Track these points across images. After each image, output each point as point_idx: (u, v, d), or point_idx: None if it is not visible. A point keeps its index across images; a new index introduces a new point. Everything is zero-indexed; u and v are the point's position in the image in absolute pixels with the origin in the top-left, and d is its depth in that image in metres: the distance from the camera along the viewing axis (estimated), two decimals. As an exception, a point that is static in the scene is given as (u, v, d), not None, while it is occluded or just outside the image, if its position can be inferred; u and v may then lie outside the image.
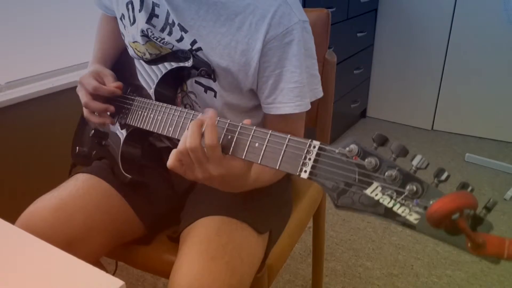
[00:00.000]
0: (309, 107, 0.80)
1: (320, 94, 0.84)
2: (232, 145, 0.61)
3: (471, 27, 2.32)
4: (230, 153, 0.61)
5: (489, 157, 2.22)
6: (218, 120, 0.64)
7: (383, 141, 0.49)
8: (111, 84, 0.85)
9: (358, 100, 2.59)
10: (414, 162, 0.46)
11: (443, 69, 2.48)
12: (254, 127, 0.60)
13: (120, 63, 1.01)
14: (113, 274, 0.48)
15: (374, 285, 1.43)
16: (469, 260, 1.54)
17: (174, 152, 0.62)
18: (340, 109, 2.34)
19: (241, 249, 0.70)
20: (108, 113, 0.88)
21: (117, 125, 0.90)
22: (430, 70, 2.52)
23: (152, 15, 0.82)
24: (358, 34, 2.37)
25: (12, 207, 0.81)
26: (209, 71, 0.79)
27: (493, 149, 2.38)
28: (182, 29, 0.78)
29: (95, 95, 0.85)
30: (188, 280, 0.64)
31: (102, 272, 0.47)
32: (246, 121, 0.61)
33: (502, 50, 2.28)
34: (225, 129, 0.63)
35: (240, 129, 0.61)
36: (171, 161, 0.63)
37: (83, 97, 0.85)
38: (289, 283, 1.45)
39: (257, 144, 0.59)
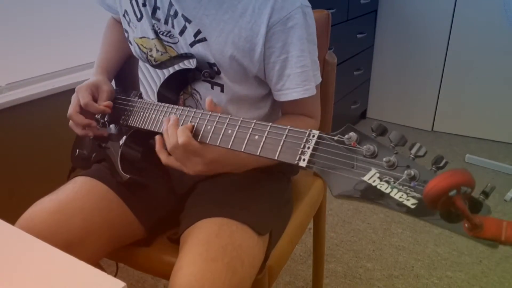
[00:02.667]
0: (315, 91, 0.81)
1: (319, 79, 0.85)
2: (232, 140, 0.62)
3: (471, 28, 2.33)
4: (229, 147, 0.62)
5: (489, 158, 2.22)
6: (219, 116, 0.65)
7: (382, 131, 0.49)
8: (102, 103, 0.86)
9: (358, 101, 2.60)
10: (413, 150, 0.46)
11: (443, 70, 2.48)
12: (255, 121, 0.60)
13: (123, 68, 1.01)
14: (115, 276, 0.48)
15: (375, 287, 1.43)
16: (470, 261, 1.54)
17: (163, 151, 0.71)
18: (340, 110, 2.35)
19: (242, 250, 0.70)
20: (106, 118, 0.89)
21: (119, 127, 0.90)
22: (430, 71, 2.52)
23: (155, 8, 0.82)
24: (358, 35, 2.37)
25: (12, 209, 0.81)
26: (212, 74, 0.80)
27: (493, 150, 2.38)
28: (186, 19, 0.79)
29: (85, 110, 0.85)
30: (189, 281, 0.64)
31: (104, 274, 0.47)
32: (208, 99, 0.68)
33: (503, 51, 2.28)
34: (225, 124, 0.63)
35: (240, 123, 0.62)
36: (163, 159, 0.71)
37: (70, 108, 0.86)
38: (289, 284, 1.45)
39: (256, 137, 0.59)
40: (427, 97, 2.59)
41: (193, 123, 0.68)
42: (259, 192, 0.85)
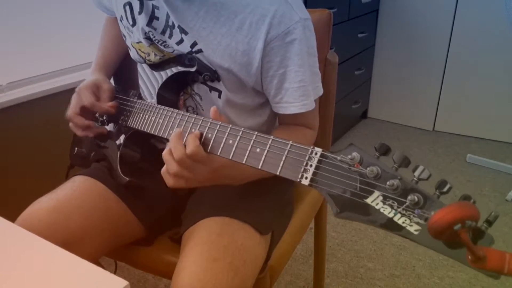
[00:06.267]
0: (313, 105, 0.80)
1: (321, 91, 0.84)
2: (233, 151, 0.61)
3: (472, 27, 2.32)
4: (231, 158, 0.62)
5: (491, 158, 2.22)
6: (220, 125, 0.64)
7: (385, 151, 0.49)
8: (107, 104, 0.86)
9: (359, 101, 2.59)
10: (416, 173, 0.45)
11: (444, 70, 2.48)
12: (256, 132, 0.60)
13: (122, 66, 1.01)
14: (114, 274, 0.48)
15: (376, 286, 1.43)
16: (471, 261, 1.53)
17: (166, 173, 0.66)
18: (341, 110, 2.34)
19: (244, 250, 0.70)
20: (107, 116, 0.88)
21: (118, 127, 0.90)
22: (431, 70, 2.52)
23: (152, 18, 0.81)
24: (359, 35, 2.37)
25: (11, 208, 0.81)
26: (213, 77, 0.79)
27: (495, 150, 2.38)
28: (182, 31, 0.78)
29: (87, 109, 0.85)
30: (191, 281, 0.64)
31: (107, 272, 0.47)
32: (213, 108, 0.66)
33: (504, 51, 2.28)
34: (226, 134, 0.63)
35: (242, 134, 0.61)
36: (169, 181, 0.67)
37: (70, 109, 0.85)
38: (290, 284, 1.45)
39: (258, 150, 0.59)
40: (428, 96, 2.58)
41: (201, 131, 0.66)
42: (261, 192, 0.85)
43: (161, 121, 0.76)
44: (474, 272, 1.48)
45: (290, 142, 0.56)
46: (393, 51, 2.61)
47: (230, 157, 0.61)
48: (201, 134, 0.66)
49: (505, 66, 2.30)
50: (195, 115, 0.69)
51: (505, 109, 2.38)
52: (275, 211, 0.85)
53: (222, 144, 0.63)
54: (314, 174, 0.52)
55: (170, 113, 0.75)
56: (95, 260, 0.81)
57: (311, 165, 0.52)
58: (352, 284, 1.44)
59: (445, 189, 0.44)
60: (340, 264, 1.53)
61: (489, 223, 0.41)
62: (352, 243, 1.65)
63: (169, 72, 0.82)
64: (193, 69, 0.79)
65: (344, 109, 2.42)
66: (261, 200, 0.83)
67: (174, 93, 0.85)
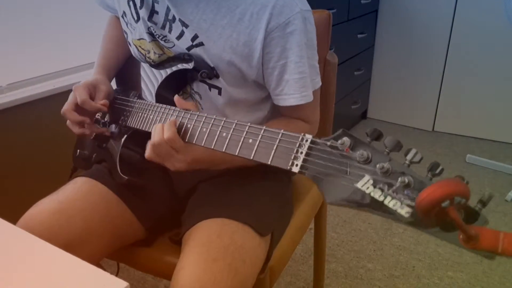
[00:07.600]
0: (312, 98, 0.81)
1: (319, 84, 0.84)
2: (226, 143, 0.62)
3: (472, 27, 2.32)
4: (224, 150, 0.62)
5: (490, 158, 2.22)
6: (214, 118, 0.65)
7: (377, 136, 0.48)
8: (98, 102, 0.85)
9: (358, 101, 2.59)
10: (408, 156, 0.45)
11: (443, 70, 2.48)
12: (249, 123, 0.60)
13: (125, 67, 1.01)
14: (116, 276, 0.48)
15: (376, 287, 1.43)
16: (471, 261, 1.53)
17: (149, 145, 0.71)
18: (340, 110, 2.34)
19: (243, 250, 0.70)
20: (107, 120, 0.88)
21: (118, 127, 0.90)
22: (431, 71, 2.52)
23: (152, 12, 0.82)
24: (359, 35, 2.37)
25: (12, 209, 0.81)
26: (211, 74, 0.79)
27: (494, 150, 2.38)
28: (183, 24, 0.78)
29: (81, 107, 0.84)
30: (190, 282, 0.64)
31: (107, 274, 0.47)
32: (176, 97, 0.70)
33: (503, 51, 2.28)
34: (220, 126, 0.63)
35: (235, 126, 0.61)
36: (147, 153, 0.72)
37: (65, 105, 0.85)
38: (290, 285, 1.45)
39: (250, 140, 0.59)
40: (427, 97, 2.58)
41: (179, 120, 0.70)
42: (260, 193, 0.85)
43: (158, 118, 0.77)
44: (474, 272, 1.48)
45: (282, 131, 0.55)
46: (392, 51, 2.61)
47: (224, 150, 0.62)
48: (176, 121, 0.69)
49: (505, 66, 2.30)
50: (190, 111, 0.70)
51: (505, 109, 2.38)
52: (275, 212, 0.85)
53: (216, 136, 0.63)
54: (304, 161, 0.51)
55: (168, 110, 0.75)
56: (96, 261, 0.81)
57: (301, 152, 0.52)
58: (352, 284, 1.44)
59: (437, 171, 0.43)
60: (340, 264, 1.53)
61: (483, 203, 0.39)
62: (352, 244, 1.65)
63: (169, 71, 0.82)
64: (190, 66, 0.79)
65: (344, 109, 2.42)
66: (261, 201, 0.83)
67: (172, 92, 0.85)
